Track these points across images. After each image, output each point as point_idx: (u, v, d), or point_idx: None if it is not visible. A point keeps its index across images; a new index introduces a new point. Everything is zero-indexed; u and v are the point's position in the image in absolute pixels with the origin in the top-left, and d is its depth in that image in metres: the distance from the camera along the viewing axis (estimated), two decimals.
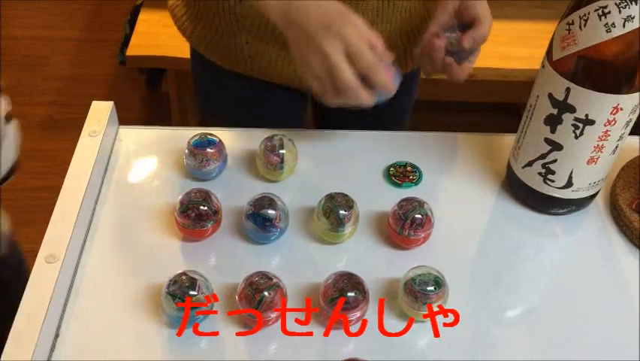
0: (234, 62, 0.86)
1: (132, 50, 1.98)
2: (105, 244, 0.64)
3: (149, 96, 2.14)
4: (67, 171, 0.66)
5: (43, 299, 0.54)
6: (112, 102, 0.73)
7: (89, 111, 0.72)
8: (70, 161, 0.67)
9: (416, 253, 0.64)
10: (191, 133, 0.70)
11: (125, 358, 0.55)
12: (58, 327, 0.56)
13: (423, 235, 0.63)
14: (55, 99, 2.14)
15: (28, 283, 0.55)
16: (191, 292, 0.55)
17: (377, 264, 0.63)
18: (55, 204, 0.63)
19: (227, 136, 0.72)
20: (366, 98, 0.63)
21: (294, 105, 0.95)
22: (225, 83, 0.91)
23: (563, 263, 0.66)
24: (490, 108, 2.05)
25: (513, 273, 0.64)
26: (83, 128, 0.70)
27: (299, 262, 0.63)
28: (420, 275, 0.58)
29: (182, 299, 0.55)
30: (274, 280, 0.57)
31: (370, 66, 0.62)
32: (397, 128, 1.02)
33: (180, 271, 0.57)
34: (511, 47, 1.67)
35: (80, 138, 0.69)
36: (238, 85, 0.90)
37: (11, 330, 0.52)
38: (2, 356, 0.51)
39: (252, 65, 0.85)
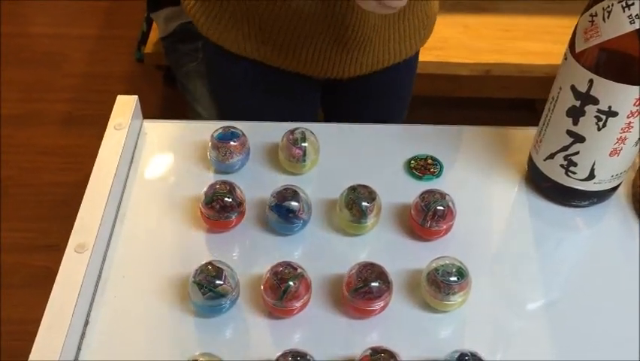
0: (248, 48, 0.88)
1: (150, 47, 2.00)
2: (132, 234, 0.65)
3: (167, 93, 2.16)
4: (86, 167, 0.67)
5: (73, 287, 0.55)
6: (136, 96, 0.74)
7: (115, 105, 0.73)
8: (89, 156, 0.68)
9: (438, 245, 0.65)
10: (214, 126, 0.71)
11: (152, 345, 0.56)
12: (88, 315, 0.58)
13: (445, 227, 0.64)
14: (73, 96, 2.17)
15: (59, 272, 0.57)
16: (218, 281, 0.56)
17: (399, 255, 0.64)
18: (74, 199, 0.64)
19: (249, 129, 0.73)
20: None
21: (308, 96, 0.98)
22: (239, 71, 0.93)
23: (585, 256, 0.67)
24: (506, 104, 2.04)
25: (534, 265, 0.65)
26: (109, 122, 0.71)
27: (322, 253, 0.64)
28: (443, 266, 0.58)
29: (208, 288, 0.56)
30: (299, 270, 0.57)
31: None
32: (401, 107, 1.07)
33: (206, 261, 0.58)
34: (527, 41, 1.67)
35: (106, 131, 0.70)
36: (252, 72, 0.92)
37: (43, 318, 0.53)
38: (35, 343, 0.52)
39: (264, 51, 0.87)
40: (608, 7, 0.55)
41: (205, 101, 1.70)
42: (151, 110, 2.10)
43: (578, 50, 0.59)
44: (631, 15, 0.54)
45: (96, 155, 0.68)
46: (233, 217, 0.64)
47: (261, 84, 0.94)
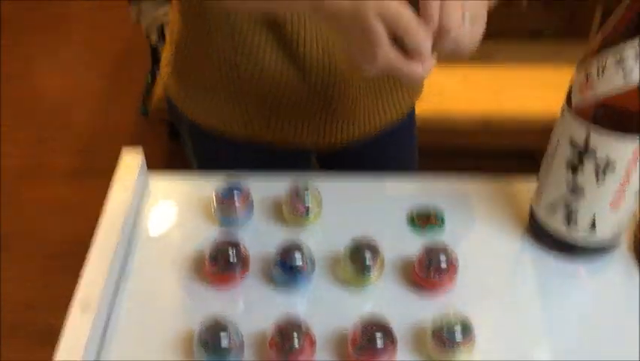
0: (235, 127, 0.87)
1: (154, 101, 2.03)
2: (137, 290, 0.65)
3: (172, 146, 2.18)
4: (90, 220, 0.68)
5: (78, 347, 0.55)
6: (141, 149, 0.75)
7: (120, 160, 0.75)
8: (94, 210, 0.69)
9: (441, 298, 0.65)
10: (218, 181, 0.72)
11: None
12: None
13: (448, 280, 0.64)
14: (78, 149, 2.20)
15: (63, 331, 0.56)
16: (222, 339, 0.56)
17: (403, 308, 0.64)
18: (80, 252, 0.64)
19: (253, 183, 0.74)
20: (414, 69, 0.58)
21: (301, 168, 0.96)
22: (226, 152, 0.91)
23: (589, 308, 0.66)
24: (506, 153, 2.06)
25: (539, 318, 0.64)
26: (114, 177, 0.72)
27: (326, 307, 0.64)
28: (447, 321, 0.58)
29: (213, 346, 0.56)
30: (303, 327, 0.57)
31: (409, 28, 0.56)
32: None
33: (211, 317, 0.58)
34: (526, 92, 1.69)
35: (111, 187, 0.71)
36: (240, 152, 0.90)
37: None
38: None
39: (252, 129, 0.87)
40: (602, 62, 0.57)
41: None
42: (156, 164, 2.11)
43: (574, 104, 0.61)
44: (624, 71, 0.55)
45: (101, 208, 0.69)
46: (238, 273, 0.64)
47: (252, 162, 0.90)
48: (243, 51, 0.81)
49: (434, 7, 0.56)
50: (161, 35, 1.75)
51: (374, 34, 0.56)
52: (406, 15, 0.56)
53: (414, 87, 0.94)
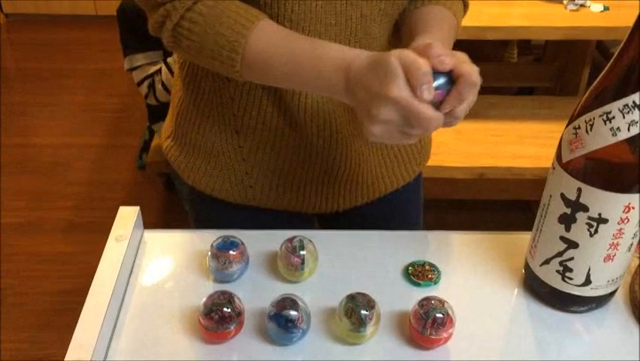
0: (236, 193, 0.87)
1: (151, 155, 2.05)
2: (130, 347, 0.64)
3: (168, 199, 2.19)
4: (86, 275, 0.68)
5: None
6: (138, 207, 0.76)
7: (116, 216, 0.75)
8: (90, 264, 0.69)
9: (438, 353, 0.64)
10: (213, 236, 0.72)
11: None
12: None
13: (445, 335, 0.64)
14: (76, 204, 2.20)
15: None
16: None
17: None
18: (74, 307, 0.64)
19: (248, 238, 0.74)
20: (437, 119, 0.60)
21: (301, 228, 0.94)
22: (229, 216, 0.91)
23: None
24: (502, 205, 2.08)
25: None
26: (110, 233, 0.73)
27: None
28: None
29: None
30: None
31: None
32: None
33: None
34: (518, 146, 1.72)
35: (107, 243, 0.71)
36: (242, 216, 0.89)
37: None
38: None
39: (253, 195, 0.87)
40: (590, 120, 0.58)
41: None
42: (152, 216, 2.14)
43: (564, 160, 0.62)
44: (612, 128, 0.57)
45: (97, 263, 0.69)
46: (232, 328, 0.64)
47: (253, 226, 0.85)
48: (242, 105, 0.80)
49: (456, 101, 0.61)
50: (153, 90, 1.78)
51: (390, 72, 0.59)
52: (423, 64, 0.59)
53: (421, 152, 0.93)
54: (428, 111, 0.59)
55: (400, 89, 0.59)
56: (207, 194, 0.88)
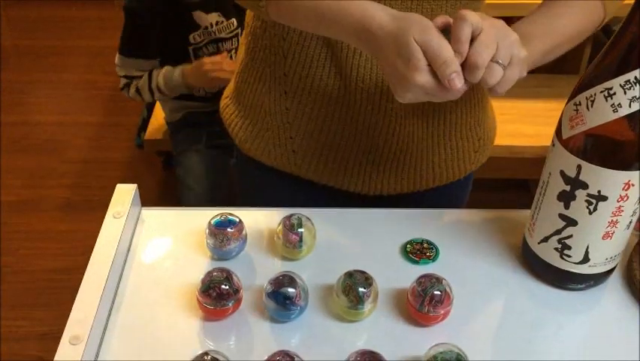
0: (278, 156, 0.87)
1: (150, 134, 2.04)
2: (128, 323, 0.64)
3: (166, 178, 2.18)
4: (84, 252, 0.68)
5: None
6: (135, 185, 0.76)
7: (114, 194, 0.75)
8: (87, 242, 0.69)
9: (436, 330, 0.64)
10: (211, 213, 0.72)
11: None
12: None
13: (442, 312, 0.64)
14: (73, 182, 2.20)
15: None
16: None
17: (397, 341, 0.63)
18: (72, 285, 0.64)
19: (246, 215, 0.74)
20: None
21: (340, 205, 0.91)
22: (268, 181, 0.91)
23: (584, 339, 0.66)
24: (501, 185, 2.07)
25: (533, 349, 0.64)
26: (108, 210, 0.72)
27: (320, 341, 0.63)
28: (442, 353, 0.58)
29: None
30: (296, 360, 0.57)
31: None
32: None
33: (202, 351, 0.57)
34: (519, 124, 1.71)
35: (105, 219, 0.71)
36: (280, 184, 0.89)
37: None
38: None
39: (295, 160, 0.86)
40: (592, 96, 0.58)
41: (196, 174, 1.74)
42: (150, 195, 2.13)
43: (564, 136, 0.61)
44: (614, 104, 0.56)
45: (94, 240, 0.69)
46: (230, 305, 0.64)
47: (293, 198, 0.88)
48: (293, 64, 0.80)
49: (464, 43, 0.59)
50: (127, 88, 1.76)
51: (413, 59, 0.59)
52: (445, 51, 0.58)
53: (478, 150, 0.90)
54: (455, 92, 0.60)
55: (423, 77, 0.59)
56: (250, 156, 0.89)
